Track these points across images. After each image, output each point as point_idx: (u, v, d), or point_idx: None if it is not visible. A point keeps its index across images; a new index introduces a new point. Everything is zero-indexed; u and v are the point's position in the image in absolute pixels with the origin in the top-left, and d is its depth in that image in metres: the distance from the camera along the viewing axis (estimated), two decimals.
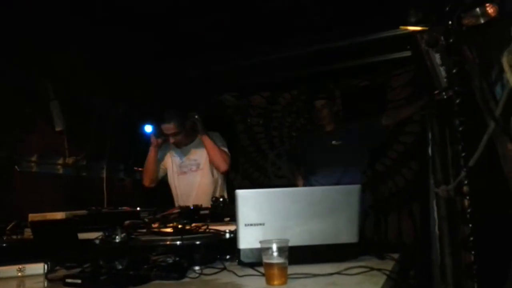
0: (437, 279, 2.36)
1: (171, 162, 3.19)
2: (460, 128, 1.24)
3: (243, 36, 3.76)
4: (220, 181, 3.14)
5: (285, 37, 3.92)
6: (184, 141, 3.13)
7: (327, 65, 4.38)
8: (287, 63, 4.39)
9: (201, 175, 3.11)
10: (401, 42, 3.82)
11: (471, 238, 1.08)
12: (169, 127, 2.99)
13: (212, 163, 3.07)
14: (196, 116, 3.02)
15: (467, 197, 1.15)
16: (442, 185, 2.00)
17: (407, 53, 3.89)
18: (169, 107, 3.08)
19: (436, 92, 1.83)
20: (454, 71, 1.32)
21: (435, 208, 2.33)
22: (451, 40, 1.44)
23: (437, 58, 1.78)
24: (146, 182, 3.20)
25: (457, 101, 1.31)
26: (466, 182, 1.12)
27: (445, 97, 1.77)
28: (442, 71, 1.77)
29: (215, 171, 3.11)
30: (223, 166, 3.04)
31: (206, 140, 3.01)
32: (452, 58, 1.43)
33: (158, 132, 3.09)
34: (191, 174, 3.13)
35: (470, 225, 1.11)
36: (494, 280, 1.17)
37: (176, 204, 3.05)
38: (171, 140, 3.04)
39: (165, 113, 3.01)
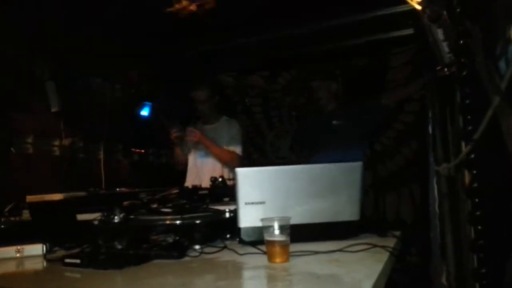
0: (437, 257, 2.37)
1: None
2: (466, 101, 1.20)
3: (241, 15, 3.70)
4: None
5: (284, 16, 3.86)
6: (209, 114, 3.21)
7: (327, 44, 4.34)
8: (286, 42, 4.34)
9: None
10: (401, 20, 3.77)
11: (477, 213, 1.07)
12: (200, 94, 3.11)
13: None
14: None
15: (473, 171, 1.13)
16: (443, 163, 1.99)
17: (407, 31, 3.84)
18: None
19: (438, 68, 1.79)
20: (460, 42, 1.28)
21: (435, 186, 2.32)
22: (455, 13, 1.40)
23: (439, 33, 1.74)
24: (178, 168, 3.32)
25: (463, 73, 1.27)
26: (472, 156, 1.09)
27: (447, 73, 1.74)
28: (444, 46, 1.73)
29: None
30: (232, 166, 3.05)
31: (209, 146, 3.10)
32: (455, 30, 1.39)
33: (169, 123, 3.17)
34: (207, 156, 3.17)
35: (476, 200, 1.09)
36: (497, 255, 1.16)
37: (190, 183, 3.05)
38: (199, 107, 3.14)
39: (195, 81, 3.19)
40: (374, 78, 4.14)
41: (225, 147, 3.15)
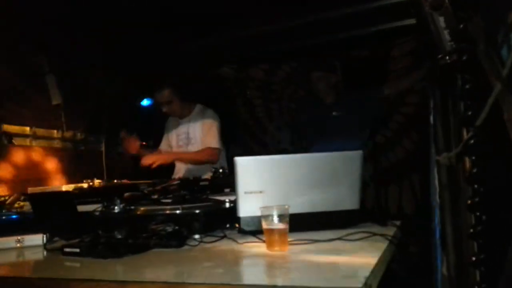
0: (437, 248, 2.37)
1: (172, 135, 3.16)
2: (467, 86, 1.19)
3: (241, 7, 3.68)
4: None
5: (284, 8, 3.84)
6: (181, 112, 3.07)
7: (326, 36, 4.31)
8: (286, 34, 4.31)
9: (191, 150, 3.05)
10: (401, 10, 3.74)
11: (476, 199, 1.06)
12: (162, 96, 2.93)
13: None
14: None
15: (473, 158, 1.12)
16: (444, 152, 1.98)
17: (408, 21, 3.81)
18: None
19: (439, 56, 1.78)
20: (460, 26, 1.27)
21: (436, 176, 2.31)
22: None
23: (441, 21, 1.72)
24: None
25: (463, 57, 1.26)
26: (472, 142, 1.08)
27: (448, 61, 1.72)
28: (446, 34, 1.72)
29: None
30: (213, 162, 2.94)
31: (180, 157, 2.99)
32: (457, 16, 1.37)
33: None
34: (185, 148, 3.08)
35: (476, 186, 1.09)
36: (497, 242, 1.16)
37: (175, 176, 3.03)
38: (164, 109, 2.98)
39: (156, 83, 2.98)
40: (375, 69, 4.12)
41: (202, 141, 3.02)
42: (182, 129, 3.10)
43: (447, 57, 1.72)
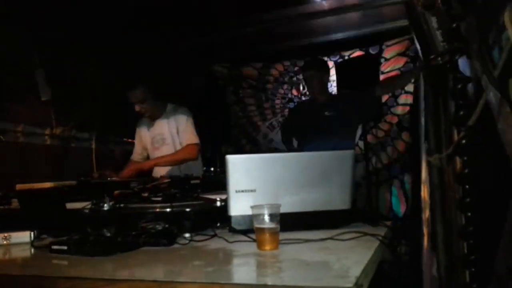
0: (427, 248, 2.38)
1: (146, 137, 3.12)
2: (458, 86, 1.19)
3: (235, 6, 3.67)
4: None
5: (278, 7, 3.85)
6: (154, 112, 3.02)
7: (320, 36, 4.33)
8: (280, 34, 4.32)
9: (166, 151, 3.02)
10: (394, 12, 3.76)
11: (467, 200, 1.06)
12: (136, 94, 2.88)
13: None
14: None
15: (464, 158, 1.12)
16: (435, 154, 1.98)
17: (400, 23, 3.84)
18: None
19: (432, 57, 1.78)
20: (453, 25, 1.27)
21: (427, 177, 2.32)
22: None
23: (433, 21, 1.73)
24: None
25: (456, 57, 1.27)
26: (463, 141, 1.09)
27: (440, 62, 1.73)
28: (438, 35, 1.72)
29: (179, 146, 3.02)
30: (192, 158, 2.95)
31: (158, 162, 2.93)
32: (449, 15, 1.37)
33: None
34: (160, 150, 3.04)
35: (466, 186, 1.09)
36: (488, 244, 1.16)
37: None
38: (137, 108, 2.93)
39: (131, 80, 2.93)
40: (367, 70, 4.14)
41: (180, 138, 3.00)
42: (157, 130, 3.06)
43: (439, 58, 1.73)
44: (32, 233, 1.54)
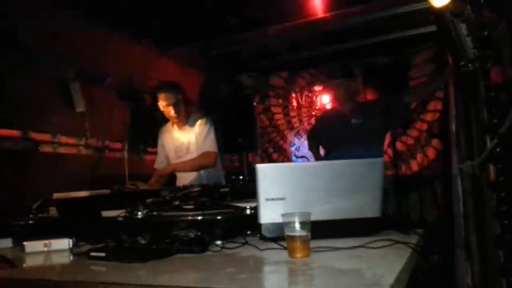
0: (460, 257, 2.33)
1: (169, 145, 3.18)
2: (491, 94, 1.18)
3: (261, 16, 3.72)
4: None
5: (304, 16, 3.86)
6: (182, 117, 3.08)
7: (347, 43, 4.31)
8: (306, 42, 4.33)
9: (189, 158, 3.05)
10: (422, 17, 3.71)
11: (503, 208, 1.05)
12: (170, 96, 2.95)
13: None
14: None
15: (499, 165, 1.11)
16: (467, 161, 1.95)
17: (429, 29, 3.79)
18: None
19: (462, 64, 1.77)
20: (484, 33, 1.26)
21: (460, 185, 2.27)
22: (479, 6, 1.38)
23: (463, 28, 1.71)
24: None
25: (488, 65, 1.25)
26: (498, 150, 1.07)
27: (471, 68, 1.71)
28: (468, 41, 1.70)
29: None
30: (209, 165, 2.99)
31: (177, 167, 3.01)
32: (479, 23, 1.36)
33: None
34: (183, 158, 3.08)
35: (502, 194, 1.07)
36: None
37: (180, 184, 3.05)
38: (168, 110, 2.98)
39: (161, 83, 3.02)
40: (396, 77, 4.10)
41: (199, 145, 3.03)
42: (181, 139, 3.11)
43: (470, 65, 1.71)
44: (70, 240, 1.60)
